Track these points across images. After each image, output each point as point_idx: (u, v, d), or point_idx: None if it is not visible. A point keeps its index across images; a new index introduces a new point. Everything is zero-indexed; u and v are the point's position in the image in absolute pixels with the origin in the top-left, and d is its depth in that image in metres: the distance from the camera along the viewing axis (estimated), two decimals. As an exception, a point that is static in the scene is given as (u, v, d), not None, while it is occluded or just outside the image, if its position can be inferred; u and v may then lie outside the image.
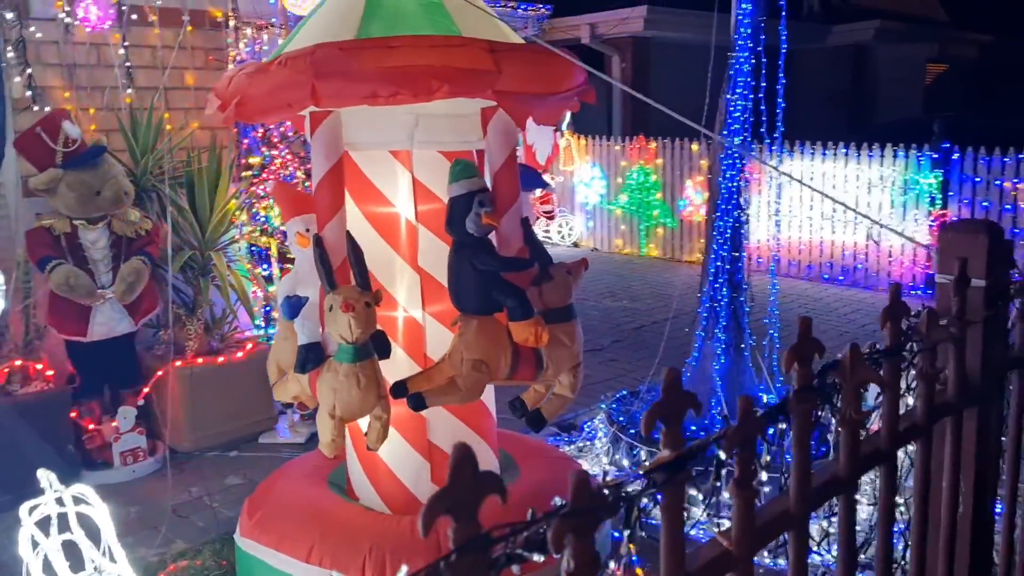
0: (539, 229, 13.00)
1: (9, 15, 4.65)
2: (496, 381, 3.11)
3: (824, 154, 10.57)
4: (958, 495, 1.75)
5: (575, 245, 13.11)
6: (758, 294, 5.44)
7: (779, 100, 5.09)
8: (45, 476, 3.13)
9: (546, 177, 12.88)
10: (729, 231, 5.14)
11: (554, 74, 3.08)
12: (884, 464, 1.55)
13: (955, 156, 9.59)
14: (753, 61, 5.07)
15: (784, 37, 4.98)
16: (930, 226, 9.62)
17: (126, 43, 5.07)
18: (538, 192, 12.92)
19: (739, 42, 5.06)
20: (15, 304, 4.82)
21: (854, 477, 1.46)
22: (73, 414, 4.90)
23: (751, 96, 5.08)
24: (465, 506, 0.85)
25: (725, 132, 5.17)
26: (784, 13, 5.01)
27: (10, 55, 4.71)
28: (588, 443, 5.67)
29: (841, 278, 10.53)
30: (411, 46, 2.84)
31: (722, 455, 1.20)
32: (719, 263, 5.17)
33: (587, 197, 12.98)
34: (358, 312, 2.85)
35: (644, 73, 14.03)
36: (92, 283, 4.72)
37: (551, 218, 13.07)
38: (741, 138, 5.09)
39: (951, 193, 9.61)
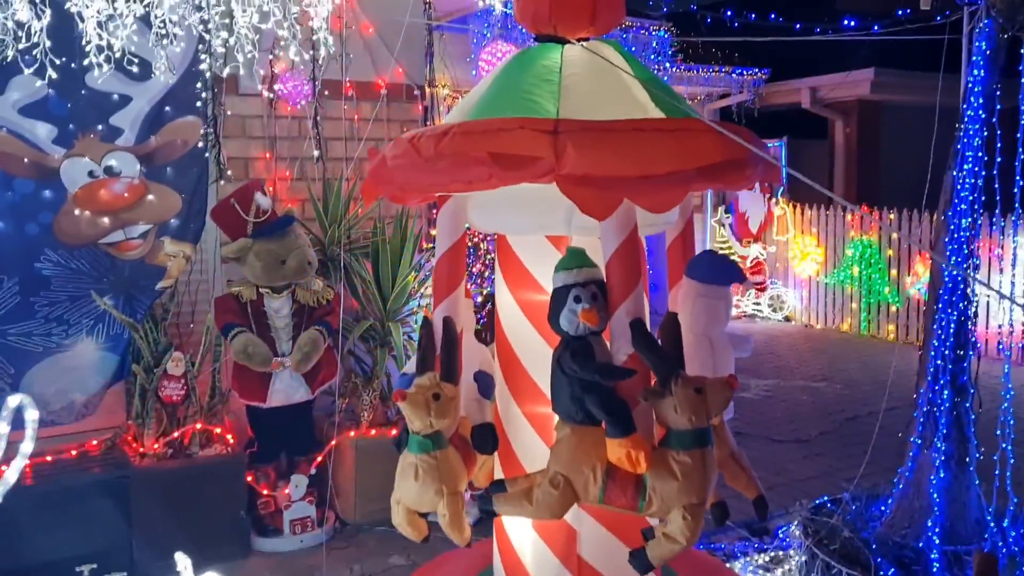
0: (749, 301, 12.34)
1: (195, 89, 4.88)
2: (586, 502, 2.75)
3: (1083, 232, 9.30)
4: None
5: (787, 319, 12.32)
6: (994, 390, 4.65)
7: (1017, 177, 4.41)
8: (182, 560, 3.09)
9: (756, 248, 12.26)
10: (953, 325, 4.47)
11: (650, 155, 2.65)
12: None
13: None
14: (986, 133, 4.43)
15: (1024, 106, 4.33)
16: None
17: (318, 116, 5.20)
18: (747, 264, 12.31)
19: (968, 112, 4.44)
20: (204, 367, 4.98)
21: None
22: (249, 478, 4.97)
23: (983, 172, 4.44)
24: None
25: (950, 212, 4.54)
26: (1025, 79, 4.37)
27: (198, 131, 4.93)
28: (781, 553, 5.09)
29: (1102, 373, 9.15)
30: (463, 133, 2.68)
31: None
32: (940, 361, 4.50)
33: (802, 269, 12.19)
34: (414, 402, 2.78)
35: (872, 139, 13.11)
36: (268, 352, 4.79)
37: (762, 290, 12.37)
38: (969, 219, 4.45)
39: None
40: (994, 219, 9.79)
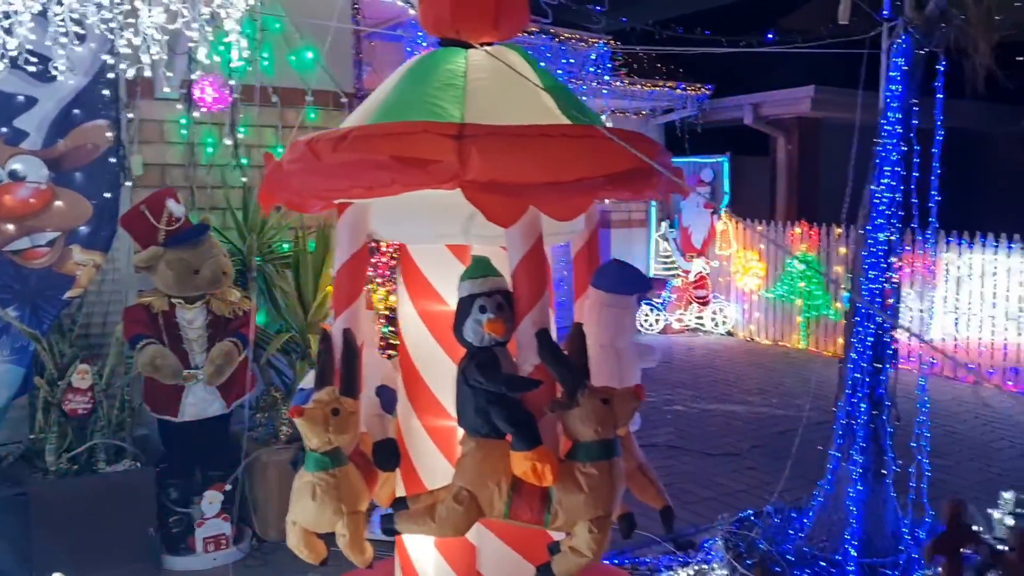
0: (691, 316, 12.38)
1: (105, 92, 4.73)
2: (491, 518, 2.68)
3: (1010, 247, 9.48)
4: None
5: (729, 334, 12.37)
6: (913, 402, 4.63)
7: (933, 192, 4.45)
8: (59, 580, 2.95)
9: (700, 262, 12.30)
10: (871, 338, 4.49)
11: (558, 161, 2.60)
12: None
13: None
14: (904, 148, 4.47)
15: (939, 121, 4.37)
16: None
17: (234, 122, 5.08)
18: (672, 284, 12.34)
19: (886, 127, 4.47)
20: (115, 379, 4.81)
21: None
22: (161, 495, 4.80)
23: (900, 186, 4.47)
24: None
25: (868, 226, 4.56)
26: (941, 95, 4.41)
27: (109, 135, 4.77)
28: (705, 566, 5.04)
29: (1029, 386, 9.31)
30: (363, 136, 2.61)
31: None
32: (858, 375, 4.51)
33: (744, 284, 12.27)
34: (311, 418, 2.67)
35: (812, 155, 13.25)
36: (178, 365, 4.64)
37: (705, 304, 12.41)
38: (887, 234, 4.47)
39: None
40: (927, 235, 9.93)
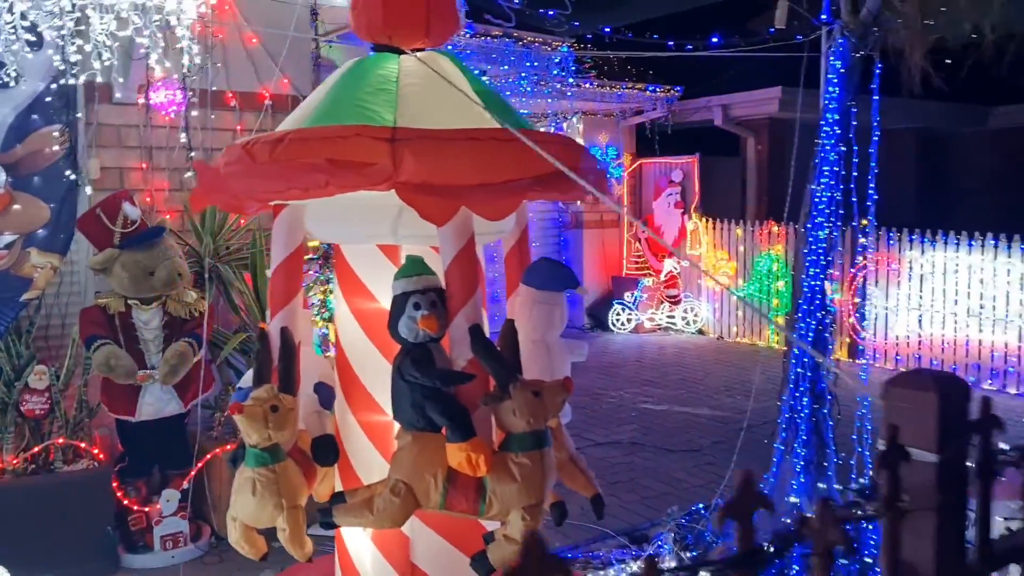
0: (663, 314, 12.50)
1: (62, 97, 4.80)
2: (427, 509, 2.77)
3: (970, 245, 9.64)
4: None
5: (700, 332, 12.50)
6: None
7: (870, 190, 4.57)
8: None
9: (671, 261, 12.42)
10: (811, 334, 4.60)
11: (487, 163, 2.71)
12: None
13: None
14: (843, 148, 4.59)
15: (876, 121, 4.49)
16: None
17: (188, 125, 5.16)
18: (643, 283, 12.49)
19: (825, 128, 4.59)
20: (73, 380, 4.87)
21: None
22: (119, 494, 4.87)
23: (839, 185, 4.59)
24: None
25: (809, 224, 4.68)
26: (877, 97, 4.54)
27: (66, 140, 4.84)
28: (657, 559, 5.14)
29: (990, 382, 9.47)
30: (299, 139, 2.69)
31: None
32: (800, 369, 4.62)
33: (714, 283, 12.41)
34: (251, 414, 2.74)
35: (781, 155, 13.40)
36: (133, 365, 4.71)
37: (676, 303, 12.54)
38: (826, 231, 4.59)
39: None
40: (892, 233, 10.11)
